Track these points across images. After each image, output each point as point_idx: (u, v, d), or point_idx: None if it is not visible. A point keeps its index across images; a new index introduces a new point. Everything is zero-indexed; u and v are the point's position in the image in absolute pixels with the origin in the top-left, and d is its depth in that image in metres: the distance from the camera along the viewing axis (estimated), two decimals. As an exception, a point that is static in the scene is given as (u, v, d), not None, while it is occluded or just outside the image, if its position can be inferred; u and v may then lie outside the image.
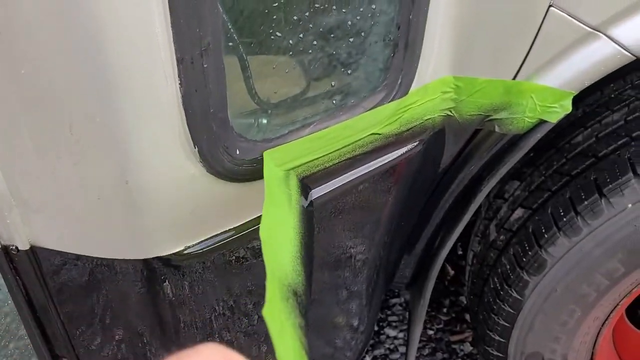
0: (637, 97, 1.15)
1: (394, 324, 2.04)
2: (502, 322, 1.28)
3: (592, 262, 1.13)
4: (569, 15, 0.85)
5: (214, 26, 0.62)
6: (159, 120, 0.65)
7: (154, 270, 0.77)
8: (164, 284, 0.79)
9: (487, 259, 1.32)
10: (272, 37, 0.72)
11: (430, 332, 2.01)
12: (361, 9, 0.77)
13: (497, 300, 1.27)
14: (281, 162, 0.75)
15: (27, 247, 0.76)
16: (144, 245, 0.74)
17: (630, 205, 1.06)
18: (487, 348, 1.36)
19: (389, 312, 2.08)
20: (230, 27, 0.70)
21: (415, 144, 0.98)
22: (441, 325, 2.03)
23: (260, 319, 0.98)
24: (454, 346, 1.95)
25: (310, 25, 0.73)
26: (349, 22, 0.77)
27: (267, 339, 1.04)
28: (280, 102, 0.79)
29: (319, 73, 0.79)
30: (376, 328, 2.03)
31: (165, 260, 0.76)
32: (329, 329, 1.24)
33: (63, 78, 0.61)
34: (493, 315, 1.29)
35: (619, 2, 0.84)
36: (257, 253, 0.86)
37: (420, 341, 1.98)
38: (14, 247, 0.76)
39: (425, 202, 1.16)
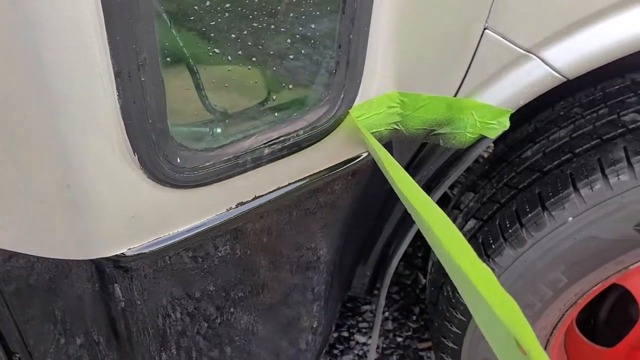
0: (582, 115, 1.20)
1: (363, 330, 2.08)
2: (454, 329, 1.32)
3: (536, 273, 1.17)
4: (503, 38, 0.90)
5: (150, 42, 0.67)
6: (99, 129, 0.70)
7: (98, 271, 0.81)
8: (108, 284, 0.83)
9: (442, 267, 1.36)
10: (213, 53, 0.77)
11: (399, 340, 2.05)
12: (301, 29, 0.82)
13: (450, 308, 1.31)
14: None
15: (-24, 247, 0.80)
16: (86, 247, 0.78)
17: (570, 219, 1.11)
18: (442, 355, 1.40)
19: (359, 319, 2.12)
20: (173, 42, 0.75)
21: (364, 155, 1.03)
22: (410, 333, 2.07)
23: (203, 321, 1.02)
24: (421, 353, 1.99)
25: (249, 43, 0.78)
26: (289, 41, 0.82)
27: (208, 339, 1.08)
28: (223, 114, 0.83)
29: (260, 87, 0.84)
30: (346, 334, 2.07)
31: (108, 262, 0.80)
32: (285, 329, 1.28)
33: (6, 88, 0.65)
34: (446, 323, 1.33)
35: (550, 26, 0.89)
36: (199, 257, 0.90)
37: (389, 348, 2.03)
38: (-37, 246, 0.81)
39: (377, 214, 1.21)
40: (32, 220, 0.76)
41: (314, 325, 1.34)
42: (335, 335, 2.06)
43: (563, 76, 0.92)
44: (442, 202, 1.52)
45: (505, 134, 1.33)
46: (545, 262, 1.15)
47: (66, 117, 0.67)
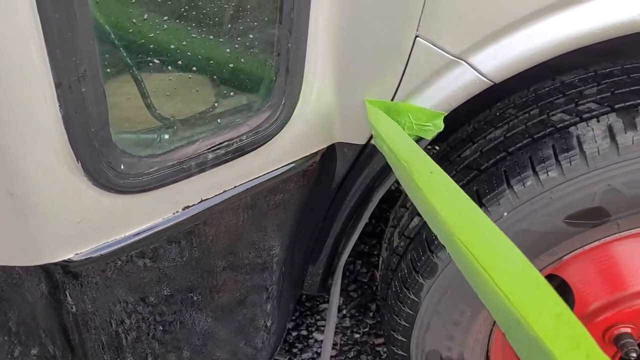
0: (516, 116, 1.27)
1: (322, 328, 2.12)
2: (403, 322, 1.38)
3: (476, 266, 1.23)
4: (433, 45, 0.96)
5: (90, 54, 0.70)
6: (42, 138, 0.72)
7: (47, 277, 0.83)
8: (58, 290, 0.85)
9: (390, 264, 1.42)
10: (155, 63, 0.80)
11: (357, 336, 2.10)
12: (240, 39, 0.86)
13: (398, 302, 1.37)
14: None
15: None
16: (34, 253, 0.80)
17: (505, 214, 1.17)
18: (392, 348, 1.46)
19: (317, 318, 2.17)
20: (116, 53, 0.78)
21: (311, 156, 1.07)
22: (367, 329, 2.12)
23: (157, 324, 1.04)
24: (378, 349, 2.04)
25: (189, 53, 0.81)
26: (229, 50, 0.85)
27: (154, 341, 1.10)
28: (167, 121, 0.86)
29: (203, 95, 0.88)
30: (305, 333, 2.11)
31: (56, 267, 0.82)
32: (240, 329, 1.32)
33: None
34: (395, 317, 1.39)
35: (476, 33, 0.95)
36: (148, 260, 0.93)
37: (347, 345, 2.07)
38: None
39: (325, 213, 1.25)
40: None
41: (268, 324, 1.38)
42: (295, 334, 2.10)
43: (490, 80, 0.98)
44: (392, 203, 1.57)
45: (447, 135, 1.40)
46: (484, 256, 1.22)
47: (8, 127, 0.69)
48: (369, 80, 1.02)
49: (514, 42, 0.95)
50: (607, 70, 1.25)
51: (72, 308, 0.91)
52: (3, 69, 0.65)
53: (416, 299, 1.32)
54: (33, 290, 0.86)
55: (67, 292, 0.88)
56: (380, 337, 2.08)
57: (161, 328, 1.11)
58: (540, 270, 1.25)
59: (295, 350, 2.06)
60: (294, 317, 2.15)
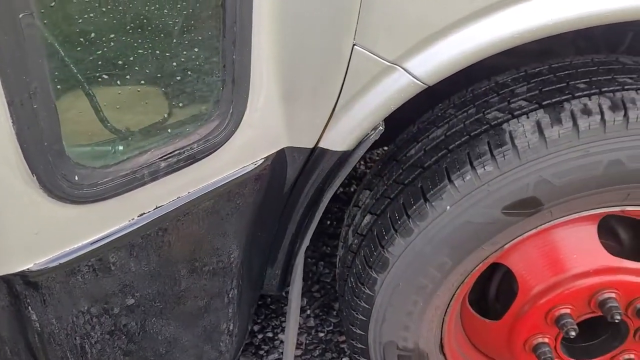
0: (455, 115, 1.35)
1: (287, 329, 2.17)
2: (360, 316, 1.44)
3: (425, 258, 1.31)
4: (370, 52, 1.03)
5: (40, 73, 0.74)
6: (-3, 154, 0.76)
7: (8, 287, 0.86)
8: (19, 300, 0.88)
9: (346, 261, 1.48)
10: (103, 79, 0.85)
11: (321, 335, 2.16)
12: (185, 52, 0.91)
13: (354, 297, 1.43)
14: None
15: None
16: (-5, 264, 0.84)
17: (448, 207, 1.25)
18: (351, 341, 1.52)
19: (282, 319, 2.22)
20: (66, 70, 0.82)
21: (260, 162, 1.12)
22: (331, 328, 2.18)
23: (120, 332, 1.08)
24: (342, 346, 2.10)
25: (137, 68, 0.86)
26: (175, 64, 0.90)
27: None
28: (118, 133, 0.91)
29: (153, 106, 0.92)
30: (270, 334, 2.16)
31: (15, 277, 0.85)
32: (201, 332, 1.35)
33: None
34: (352, 311, 1.45)
35: (408, 40, 1.02)
36: (107, 268, 0.97)
37: (312, 344, 2.13)
38: None
39: (279, 217, 1.31)
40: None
41: (230, 328, 1.42)
42: (260, 336, 2.15)
43: (424, 83, 1.05)
44: (345, 202, 1.63)
45: (394, 135, 1.48)
46: (431, 248, 1.29)
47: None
48: (312, 87, 1.08)
49: (443, 48, 1.03)
50: (537, 69, 1.34)
51: (33, 318, 0.95)
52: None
53: (371, 293, 1.38)
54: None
55: (28, 302, 0.91)
56: (343, 334, 2.14)
57: (124, 336, 1.15)
58: (484, 259, 1.34)
59: (261, 352, 2.10)
60: (259, 320, 2.20)
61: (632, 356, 1.48)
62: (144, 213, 0.97)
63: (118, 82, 0.86)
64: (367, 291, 1.39)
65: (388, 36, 1.01)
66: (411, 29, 1.01)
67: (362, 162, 2.84)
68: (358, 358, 1.54)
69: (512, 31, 1.00)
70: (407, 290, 1.36)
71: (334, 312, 2.23)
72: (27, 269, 0.86)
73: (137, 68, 0.86)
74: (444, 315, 1.45)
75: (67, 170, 0.82)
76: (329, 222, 2.60)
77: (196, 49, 0.91)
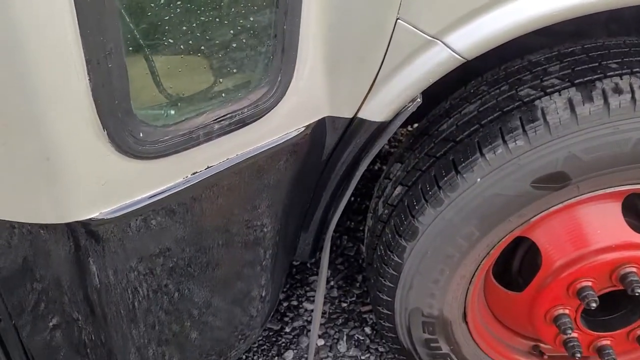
0: (488, 92, 1.39)
1: (311, 298, 2.25)
2: (387, 283, 1.50)
3: (453, 228, 1.37)
4: (412, 27, 1.08)
5: (115, 34, 0.81)
6: (74, 108, 0.83)
7: (72, 234, 0.94)
8: (81, 246, 0.96)
9: (375, 231, 1.54)
10: (169, 43, 0.91)
11: (344, 305, 2.23)
12: (242, 21, 0.97)
13: (383, 265, 1.50)
14: None
15: (-36, 216, 0.92)
16: (62, 211, 0.91)
17: (479, 180, 1.30)
18: (378, 307, 1.59)
19: (307, 289, 2.30)
20: (136, 33, 0.89)
21: (303, 129, 1.19)
22: (354, 298, 2.26)
23: (167, 286, 1.15)
24: (364, 316, 2.18)
25: (198, 34, 0.92)
26: (232, 32, 0.96)
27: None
28: (179, 95, 0.97)
29: (210, 72, 0.99)
30: (295, 303, 2.24)
31: (81, 225, 0.93)
32: (236, 295, 1.43)
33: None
34: (380, 278, 1.52)
35: (450, 15, 1.07)
36: (162, 221, 1.04)
37: (335, 313, 2.21)
38: (-48, 216, 0.92)
39: (315, 184, 1.37)
40: (15, 189, 0.88)
41: (263, 294, 1.50)
42: (286, 304, 2.23)
43: (463, 57, 1.10)
44: (370, 179, 1.69)
45: (426, 111, 1.53)
46: (460, 218, 1.35)
47: (45, 98, 0.80)
48: (355, 59, 1.14)
49: (483, 24, 1.07)
50: (569, 49, 1.38)
51: (92, 269, 1.02)
52: (43, 47, 0.76)
53: (399, 261, 1.45)
54: (59, 248, 0.97)
55: (88, 252, 0.99)
56: (366, 305, 2.22)
57: (165, 295, 1.22)
58: (510, 232, 1.39)
59: (286, 319, 2.18)
60: (285, 289, 2.28)
61: (648, 331, 1.53)
62: (197, 172, 1.04)
63: (181, 47, 0.92)
64: (396, 259, 1.45)
65: (430, 11, 1.06)
66: (452, 4, 1.06)
67: (388, 142, 2.90)
68: (383, 323, 1.62)
69: (552, 8, 1.04)
70: (434, 259, 1.42)
71: (357, 284, 2.30)
72: (93, 217, 0.94)
73: (198, 35, 0.92)
74: (469, 284, 1.51)
75: (133, 127, 0.89)
76: (353, 198, 2.67)
77: (251, 18, 0.97)
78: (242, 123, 1.05)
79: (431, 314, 1.53)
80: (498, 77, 1.42)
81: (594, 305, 1.41)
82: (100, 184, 0.91)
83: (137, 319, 1.19)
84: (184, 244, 1.15)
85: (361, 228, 2.55)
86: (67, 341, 1.15)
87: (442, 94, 1.50)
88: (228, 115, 1.01)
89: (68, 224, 0.93)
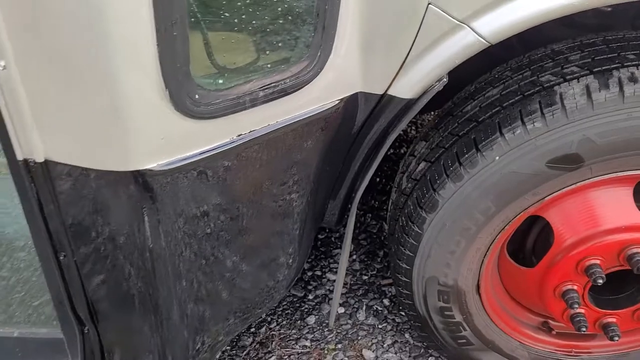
0: (511, 77, 1.49)
1: (334, 270, 2.38)
2: (407, 252, 1.62)
3: (471, 202, 1.47)
4: (442, 11, 1.18)
5: (181, 8, 0.93)
6: (142, 69, 0.96)
7: (134, 181, 1.08)
8: (140, 192, 1.10)
9: (398, 203, 1.66)
10: (224, 17, 1.04)
11: (365, 277, 2.36)
12: (286, 4, 1.08)
13: (404, 235, 1.61)
14: None
15: (42, 160, 1.06)
16: (127, 161, 1.05)
17: (497, 158, 1.40)
18: (397, 275, 1.70)
19: (330, 261, 2.42)
20: (197, 8, 1.02)
21: (337, 102, 1.30)
22: (374, 272, 2.38)
23: (204, 237, 1.28)
24: (383, 289, 2.30)
25: (250, 10, 1.04)
26: (279, 9, 1.08)
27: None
28: (230, 64, 1.10)
29: (259, 44, 1.11)
30: (319, 273, 2.37)
31: (141, 174, 1.07)
32: (266, 256, 1.56)
33: (74, 40, 0.91)
34: (401, 247, 1.63)
35: (477, 2, 1.17)
36: (209, 176, 1.17)
37: (356, 284, 2.33)
38: (32, 160, 1.06)
39: (345, 155, 1.49)
40: (88, 138, 1.02)
41: (290, 262, 1.62)
42: (310, 274, 2.36)
43: (487, 42, 1.20)
44: (395, 162, 1.79)
45: (452, 93, 1.63)
46: (478, 193, 1.45)
47: (120, 59, 0.93)
48: (388, 40, 1.24)
49: (507, 11, 1.17)
50: (591, 40, 1.46)
51: (145, 213, 1.16)
52: (122, 16, 0.89)
53: (419, 231, 1.56)
54: (119, 194, 1.11)
55: (143, 198, 1.12)
56: (386, 278, 2.34)
57: (207, 246, 1.35)
58: (525, 209, 1.49)
59: (309, 287, 2.32)
60: (309, 260, 2.41)
61: (653, 311, 1.62)
62: (241, 134, 1.16)
63: (234, 21, 1.04)
64: (416, 229, 1.56)
65: (460, -3, 1.17)
66: (481, -8, 1.16)
67: (412, 127, 3.00)
68: (401, 291, 1.73)
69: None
70: (452, 231, 1.53)
71: (378, 259, 2.42)
72: (150, 168, 1.07)
73: (250, 11, 1.04)
74: (484, 257, 1.61)
75: (190, 89, 1.02)
76: (378, 180, 2.78)
77: (297, -1, 1.09)
78: (284, 92, 1.16)
79: (446, 283, 1.64)
80: (522, 64, 1.51)
81: (600, 281, 1.50)
82: (159, 138, 1.04)
83: (179, 269, 1.33)
84: (224, 201, 1.27)
85: (385, 207, 2.66)
86: (119, 284, 1.29)
87: (467, 80, 1.60)
88: (272, 85, 1.13)
89: (129, 172, 1.06)
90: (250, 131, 1.18)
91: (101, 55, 0.93)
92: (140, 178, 1.08)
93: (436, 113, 1.63)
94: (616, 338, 1.63)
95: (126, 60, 0.94)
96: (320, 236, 2.51)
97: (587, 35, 1.49)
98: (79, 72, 0.95)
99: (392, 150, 2.87)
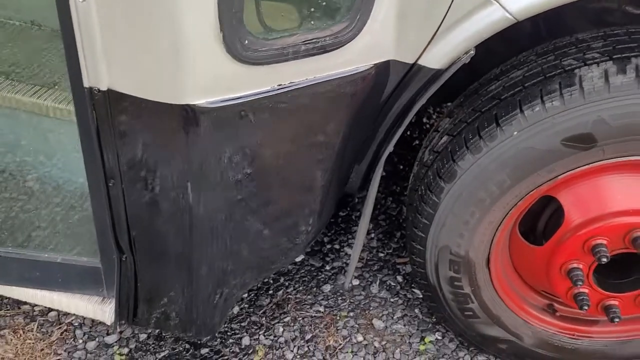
0: (535, 61, 1.58)
1: (352, 245, 2.48)
2: (424, 220, 1.72)
3: (488, 174, 1.57)
4: (474, -13, 1.29)
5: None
6: (202, 12, 1.09)
7: (185, 114, 1.21)
8: (189, 125, 1.23)
9: (419, 175, 1.76)
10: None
11: (381, 255, 2.46)
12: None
13: (422, 204, 1.71)
14: None
15: (105, 89, 1.20)
16: (181, 95, 1.18)
17: (516, 133, 1.50)
18: (412, 242, 1.81)
19: (349, 237, 2.53)
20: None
21: (372, 65, 1.41)
22: (390, 251, 2.48)
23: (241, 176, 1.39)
24: (398, 266, 2.40)
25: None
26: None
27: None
28: (279, 15, 1.22)
29: (302, 6, 1.23)
30: (337, 247, 2.48)
31: (192, 108, 1.19)
32: (289, 215, 1.67)
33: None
34: (418, 215, 1.73)
35: (507, -21, 1.28)
36: (250, 119, 1.29)
37: (372, 260, 2.44)
38: (96, 89, 1.20)
39: (374, 121, 1.60)
40: (148, 72, 1.15)
41: (310, 222, 1.72)
42: (329, 247, 2.47)
43: (514, 18, 1.31)
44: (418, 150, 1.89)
45: (479, 74, 1.73)
46: (495, 166, 1.55)
47: (184, 5, 1.06)
48: (422, 11, 1.35)
49: (535, -10, 1.28)
50: (615, 31, 1.56)
51: (191, 146, 1.29)
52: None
53: (437, 200, 1.66)
54: (171, 126, 1.24)
55: (190, 131, 1.25)
56: (401, 257, 2.44)
57: (237, 195, 1.47)
58: (538, 186, 1.58)
59: (327, 259, 2.43)
60: (329, 233, 2.52)
61: (654, 296, 1.69)
62: (282, 84, 1.29)
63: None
64: (434, 198, 1.67)
65: (492, -25, 1.27)
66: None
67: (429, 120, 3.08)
68: (415, 259, 1.83)
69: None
70: (467, 201, 1.63)
71: (395, 239, 2.52)
72: (199, 104, 1.20)
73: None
74: (495, 231, 1.70)
75: (242, 34, 1.14)
76: (401, 167, 2.88)
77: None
78: (323, 49, 1.28)
79: (458, 253, 1.74)
80: (547, 50, 1.61)
81: (604, 260, 1.59)
82: (210, 77, 1.17)
83: (213, 207, 1.44)
84: (258, 147, 1.39)
85: (405, 193, 2.76)
86: (159, 214, 1.42)
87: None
88: (313, 40, 1.25)
89: (180, 106, 1.19)
90: (290, 82, 1.29)
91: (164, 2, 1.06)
92: (189, 112, 1.21)
93: (463, 93, 1.73)
94: (616, 319, 1.71)
95: (189, 4, 1.07)
96: (341, 213, 2.62)
97: (612, 27, 1.58)
98: (147, 9, 1.09)
99: (417, 142, 2.97)
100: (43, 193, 1.87)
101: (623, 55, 1.45)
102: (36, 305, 2.20)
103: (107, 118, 1.24)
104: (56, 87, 1.93)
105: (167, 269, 1.55)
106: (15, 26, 2.06)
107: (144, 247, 1.49)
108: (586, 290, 1.70)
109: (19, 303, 2.20)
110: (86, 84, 1.20)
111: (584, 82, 1.43)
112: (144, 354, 2.08)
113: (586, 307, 1.69)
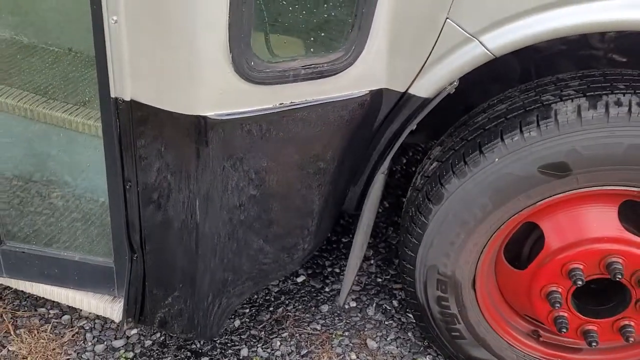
0: (519, 97, 1.74)
1: (352, 269, 2.60)
2: (413, 240, 1.85)
3: (471, 197, 1.70)
4: (457, 25, 1.46)
5: (251, -8, 1.25)
6: (215, 34, 1.27)
7: (195, 124, 1.38)
8: (198, 134, 1.40)
9: (411, 198, 1.90)
10: (283, 4, 1.35)
11: (379, 280, 2.57)
12: (331, 3, 1.39)
13: (412, 224, 1.84)
14: None
15: (128, 100, 1.38)
16: (193, 106, 1.35)
17: (497, 159, 1.64)
18: (402, 262, 1.93)
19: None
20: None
21: (365, 93, 1.58)
22: (388, 277, 2.59)
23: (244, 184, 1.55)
24: (395, 292, 2.51)
25: (296, 6, 1.35)
26: (325, 6, 1.39)
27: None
28: (282, 42, 1.40)
29: (306, 32, 1.41)
30: (338, 270, 2.60)
31: (201, 119, 1.37)
32: (288, 232, 1.81)
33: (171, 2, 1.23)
34: (408, 235, 1.86)
35: (486, 20, 1.44)
36: (253, 132, 1.46)
37: (370, 284, 2.55)
38: (121, 99, 1.38)
39: (367, 145, 1.75)
40: (166, 85, 1.34)
41: (311, 230, 1.85)
42: (330, 270, 2.60)
43: (492, 54, 1.47)
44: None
45: (469, 108, 1.88)
46: (478, 190, 1.68)
47: (200, 21, 1.25)
48: (412, 46, 1.52)
49: (512, 29, 1.44)
50: (592, 72, 1.71)
51: (199, 154, 1.45)
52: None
53: (425, 221, 1.79)
54: (182, 134, 1.41)
55: (199, 140, 1.42)
56: (398, 283, 2.54)
57: (241, 198, 1.62)
58: (519, 210, 1.70)
59: (327, 281, 2.55)
60: (330, 257, 2.65)
61: (630, 323, 1.77)
62: (283, 103, 1.45)
63: (289, 15, 1.35)
64: (423, 219, 1.80)
65: (472, 15, 1.44)
66: (489, 12, 1.43)
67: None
68: (405, 278, 1.95)
69: (565, 24, 1.40)
70: (453, 223, 1.76)
71: (393, 266, 2.64)
72: (208, 115, 1.37)
73: (302, 2, 1.35)
74: (480, 253, 1.82)
75: (248, 56, 1.32)
76: (404, 200, 3.01)
77: (341, 0, 1.40)
78: (320, 75, 1.45)
79: (445, 273, 1.85)
80: (529, 87, 1.76)
81: (580, 283, 1.69)
82: (219, 92, 1.35)
83: (220, 210, 1.59)
84: (258, 160, 1.55)
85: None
86: (170, 216, 1.58)
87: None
88: (312, 65, 1.42)
89: (193, 116, 1.36)
90: (291, 102, 1.46)
91: (189, 17, 1.25)
92: (200, 122, 1.38)
93: (454, 124, 1.88)
94: (594, 344, 1.79)
95: (205, 24, 1.25)
96: (343, 239, 2.75)
97: (589, 69, 1.74)
98: (168, 30, 1.28)
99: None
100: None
101: (596, 93, 1.59)
102: (51, 308, 2.35)
103: (129, 125, 1.42)
104: (85, 105, 2.13)
105: (174, 270, 1.70)
106: (54, 52, 2.28)
107: (154, 247, 1.64)
108: (565, 314, 1.80)
109: (35, 306, 2.36)
110: (112, 95, 1.38)
111: (558, 115, 1.57)
112: (147, 359, 2.20)
113: (565, 330, 1.78)
